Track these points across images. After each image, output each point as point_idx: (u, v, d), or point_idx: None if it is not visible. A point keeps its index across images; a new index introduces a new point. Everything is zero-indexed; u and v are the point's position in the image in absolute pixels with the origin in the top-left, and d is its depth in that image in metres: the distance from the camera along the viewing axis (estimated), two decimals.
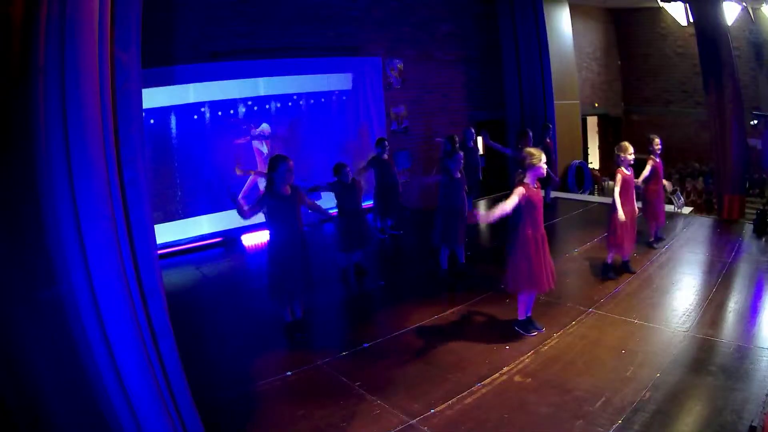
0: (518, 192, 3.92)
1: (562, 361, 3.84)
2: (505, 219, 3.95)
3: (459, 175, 5.36)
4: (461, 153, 5.57)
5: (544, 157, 3.97)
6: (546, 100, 10.55)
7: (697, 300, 4.72)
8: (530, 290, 4.17)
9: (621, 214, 5.03)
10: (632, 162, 5.21)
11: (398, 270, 6.44)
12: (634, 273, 5.38)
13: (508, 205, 3.86)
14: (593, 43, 13.44)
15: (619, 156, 5.19)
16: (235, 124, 7.71)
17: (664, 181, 6.15)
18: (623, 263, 5.41)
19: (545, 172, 4.03)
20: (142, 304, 2.41)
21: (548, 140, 8.53)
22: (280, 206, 4.20)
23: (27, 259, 2.29)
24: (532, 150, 4.02)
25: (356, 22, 8.84)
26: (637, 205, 5.45)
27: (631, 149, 5.18)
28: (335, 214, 5.69)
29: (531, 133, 8.05)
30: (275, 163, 4.17)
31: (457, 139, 7.18)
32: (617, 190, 5.13)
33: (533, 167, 3.95)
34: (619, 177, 5.15)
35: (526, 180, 3.98)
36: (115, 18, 2.30)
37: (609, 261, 5.37)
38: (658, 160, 6.02)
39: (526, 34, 10.44)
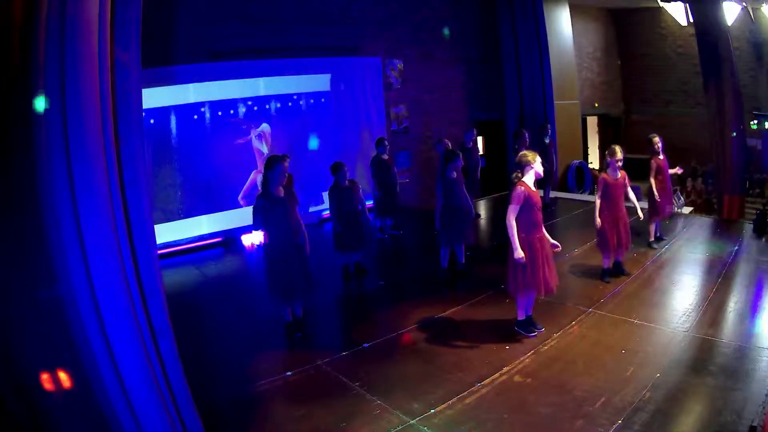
0: (517, 191, 3.95)
1: (562, 361, 3.84)
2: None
3: (455, 175, 5.36)
4: (460, 154, 5.56)
5: (538, 158, 4.06)
6: (546, 100, 10.56)
7: (697, 300, 4.72)
8: (527, 292, 4.15)
9: (598, 221, 5.13)
10: (620, 165, 5.15)
11: (398, 270, 6.44)
12: (626, 275, 5.33)
13: (509, 217, 3.95)
14: (593, 43, 13.44)
15: (608, 159, 5.16)
16: (235, 124, 7.72)
17: (672, 171, 6.23)
18: (616, 264, 5.36)
19: (542, 172, 4.10)
20: (142, 304, 2.41)
21: (547, 141, 8.51)
22: (273, 208, 4.22)
23: (27, 259, 2.29)
24: (526, 152, 4.15)
25: (356, 22, 8.84)
26: (640, 205, 5.44)
27: (619, 153, 5.11)
28: (331, 215, 5.67)
29: (527, 134, 8.03)
30: (272, 162, 4.25)
31: (448, 142, 7.13)
32: (598, 200, 5.15)
33: (529, 166, 4.02)
34: (600, 181, 5.15)
35: (525, 179, 4.03)
36: (115, 18, 2.30)
37: (606, 266, 5.35)
38: (660, 157, 6.06)
39: (526, 34, 10.43)
